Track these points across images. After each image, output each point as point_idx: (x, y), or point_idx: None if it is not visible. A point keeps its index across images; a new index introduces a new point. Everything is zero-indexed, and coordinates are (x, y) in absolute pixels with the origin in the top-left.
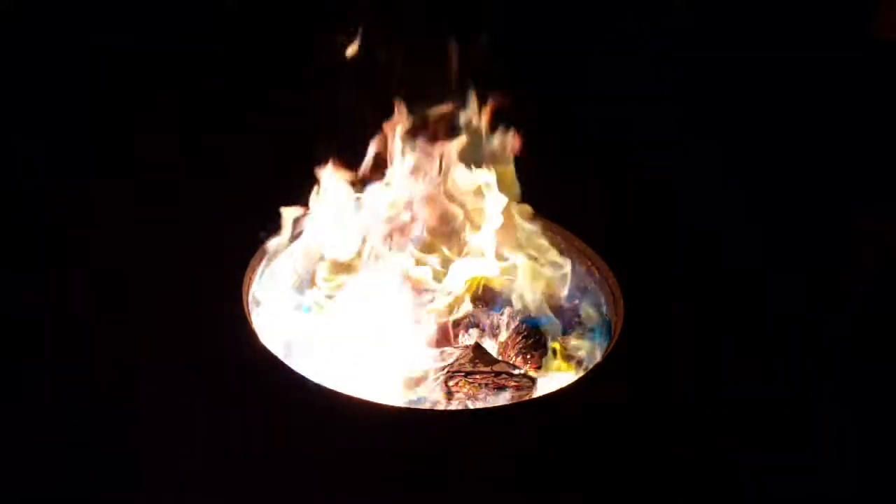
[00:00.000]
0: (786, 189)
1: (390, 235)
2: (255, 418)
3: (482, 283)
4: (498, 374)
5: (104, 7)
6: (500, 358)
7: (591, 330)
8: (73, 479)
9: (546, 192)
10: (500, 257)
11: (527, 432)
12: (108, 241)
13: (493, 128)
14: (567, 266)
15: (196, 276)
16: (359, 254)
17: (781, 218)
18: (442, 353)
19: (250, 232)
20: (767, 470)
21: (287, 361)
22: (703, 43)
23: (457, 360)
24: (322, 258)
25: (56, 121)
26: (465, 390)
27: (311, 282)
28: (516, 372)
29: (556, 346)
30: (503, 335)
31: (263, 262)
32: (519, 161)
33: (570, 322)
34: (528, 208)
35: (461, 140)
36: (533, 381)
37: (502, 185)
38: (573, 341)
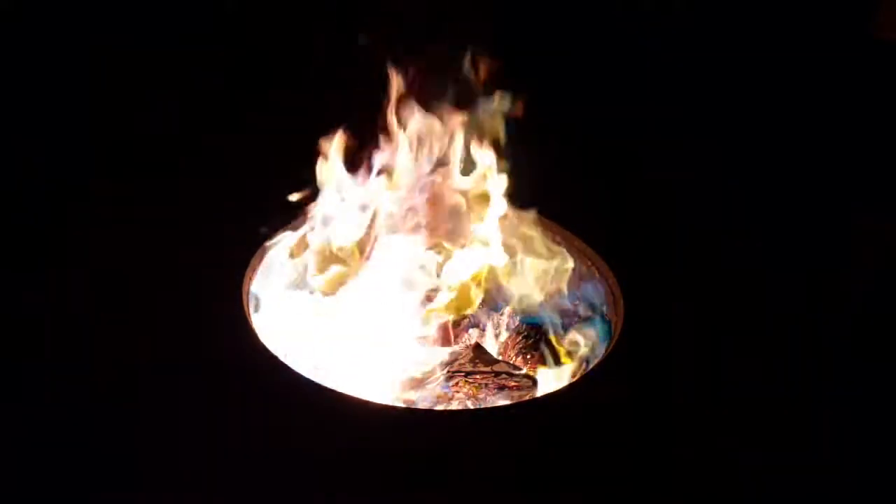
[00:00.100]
0: (786, 189)
1: (394, 230)
2: (255, 418)
3: (484, 281)
4: (498, 374)
5: (104, 7)
6: (500, 358)
7: (591, 330)
8: (73, 479)
9: (546, 192)
10: (499, 256)
11: (527, 432)
12: (108, 241)
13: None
14: (567, 265)
15: (196, 276)
16: (361, 248)
17: (781, 218)
18: (442, 353)
19: (250, 232)
20: (767, 470)
21: (287, 361)
22: (703, 43)
23: (457, 360)
24: (324, 252)
25: (56, 121)
26: (465, 390)
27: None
28: (516, 372)
29: (557, 345)
30: (503, 335)
31: (264, 261)
32: (519, 160)
33: (570, 322)
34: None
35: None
36: (533, 381)
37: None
38: (573, 341)
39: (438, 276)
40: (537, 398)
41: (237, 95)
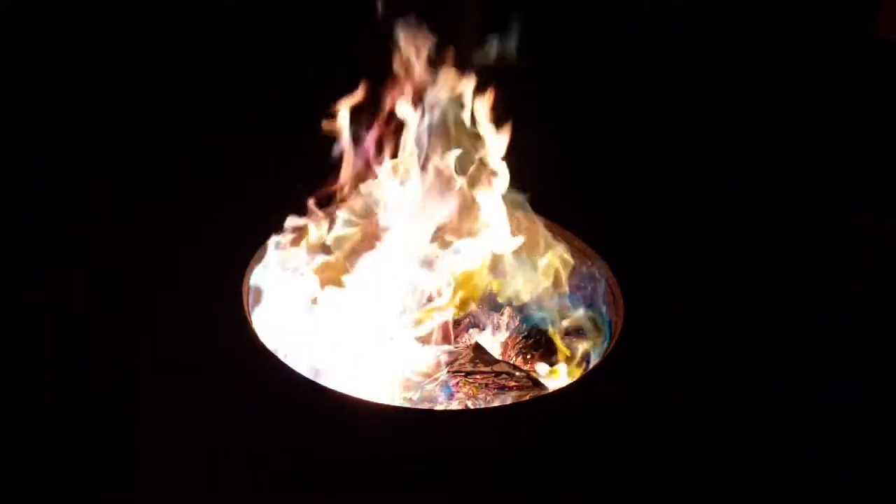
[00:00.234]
0: (786, 189)
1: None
2: (255, 418)
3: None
4: (498, 374)
5: (104, 7)
6: (500, 358)
7: (591, 330)
8: (73, 479)
9: (546, 192)
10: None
11: (527, 432)
12: (108, 241)
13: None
14: (567, 265)
15: (196, 276)
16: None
17: (781, 218)
18: (442, 353)
19: (250, 232)
20: (767, 470)
21: (287, 361)
22: (703, 43)
23: (457, 360)
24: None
25: (56, 121)
26: (465, 390)
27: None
28: (517, 372)
29: (557, 345)
30: (503, 335)
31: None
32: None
33: (570, 322)
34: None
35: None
36: (533, 381)
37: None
38: (573, 341)
39: (440, 272)
40: (537, 398)
41: (237, 95)
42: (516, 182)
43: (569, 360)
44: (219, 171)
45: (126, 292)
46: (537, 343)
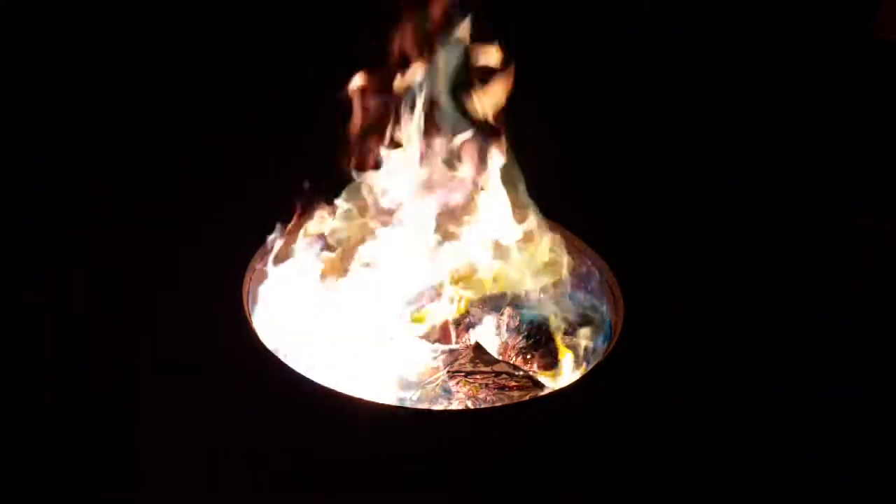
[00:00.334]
0: (786, 189)
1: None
2: (255, 418)
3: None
4: (498, 374)
5: (104, 7)
6: (500, 358)
7: (591, 330)
8: (73, 479)
9: (546, 191)
10: (500, 255)
11: (527, 432)
12: (108, 241)
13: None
14: (567, 265)
15: (196, 276)
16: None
17: (781, 218)
18: (442, 353)
19: (250, 232)
20: (767, 470)
21: (287, 361)
22: (703, 43)
23: (457, 360)
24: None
25: (56, 121)
26: (465, 390)
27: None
28: (517, 372)
29: (557, 345)
30: (503, 335)
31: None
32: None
33: (570, 322)
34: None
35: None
36: (534, 381)
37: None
38: (573, 341)
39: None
40: (537, 398)
41: (237, 95)
42: (521, 181)
43: (569, 360)
44: (219, 171)
45: (126, 292)
46: (537, 343)
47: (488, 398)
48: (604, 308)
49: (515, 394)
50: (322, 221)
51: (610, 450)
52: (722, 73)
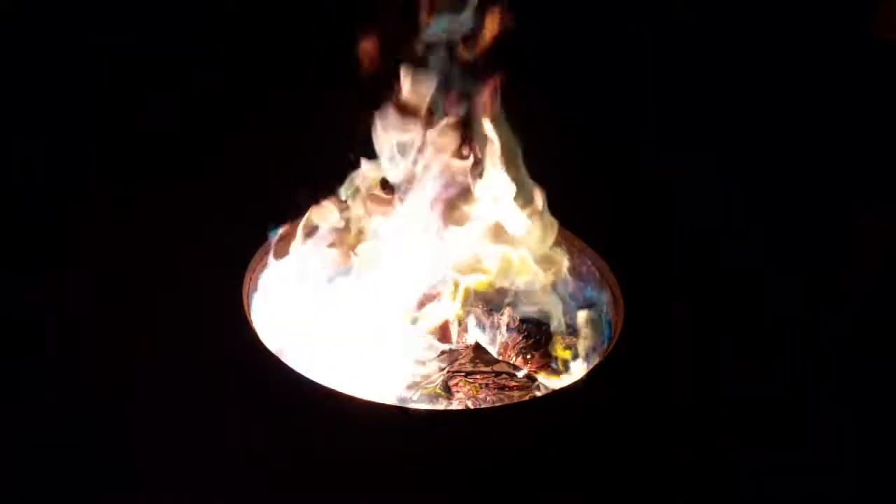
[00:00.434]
0: (786, 189)
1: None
2: (255, 418)
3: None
4: (498, 374)
5: (104, 7)
6: (500, 358)
7: (591, 330)
8: (73, 479)
9: (546, 191)
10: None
11: (527, 432)
12: (108, 241)
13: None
14: (567, 265)
15: (196, 276)
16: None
17: (781, 218)
18: (442, 352)
19: (250, 232)
20: (767, 470)
21: (287, 361)
22: (703, 42)
23: (457, 360)
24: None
25: (56, 121)
26: (465, 390)
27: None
28: (517, 372)
29: (557, 345)
30: (503, 335)
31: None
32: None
33: (570, 322)
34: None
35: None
36: (534, 381)
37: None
38: (573, 341)
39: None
40: (537, 398)
41: (237, 95)
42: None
43: (569, 360)
44: (219, 171)
45: (126, 292)
46: (537, 343)
47: (488, 398)
48: (604, 308)
49: (515, 394)
50: (323, 218)
51: (610, 450)
52: (722, 73)
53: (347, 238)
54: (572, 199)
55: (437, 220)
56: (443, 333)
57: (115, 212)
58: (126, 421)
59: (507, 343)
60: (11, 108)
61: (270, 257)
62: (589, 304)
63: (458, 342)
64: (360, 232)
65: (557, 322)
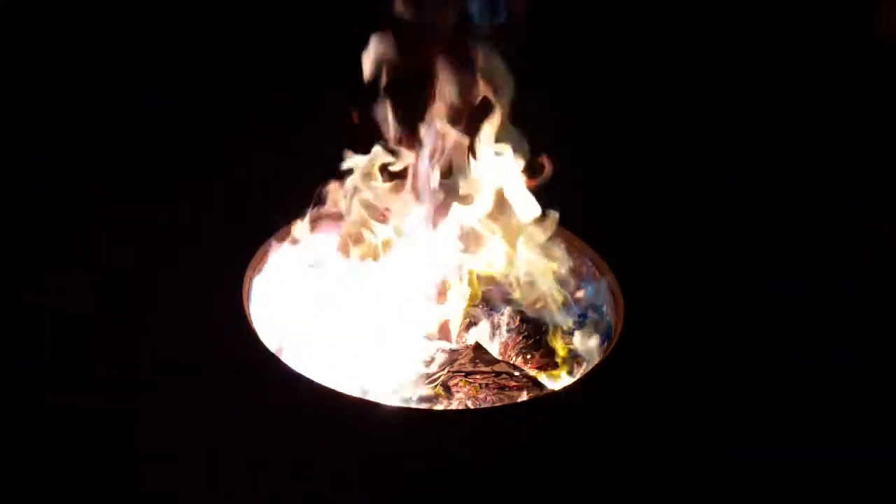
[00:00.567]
0: (786, 189)
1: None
2: (254, 418)
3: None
4: (498, 374)
5: (104, 7)
6: (500, 358)
7: (591, 330)
8: (73, 479)
9: (546, 192)
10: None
11: (527, 432)
12: (108, 241)
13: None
14: (568, 265)
15: (196, 276)
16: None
17: (781, 218)
18: (442, 353)
19: (250, 232)
20: (767, 470)
21: (287, 361)
22: (703, 43)
23: (457, 360)
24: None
25: (56, 121)
26: (465, 390)
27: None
28: (517, 372)
29: (557, 345)
30: (503, 335)
31: (265, 260)
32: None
33: (570, 322)
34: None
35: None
36: (533, 381)
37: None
38: (573, 341)
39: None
40: (537, 398)
41: (237, 95)
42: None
43: (569, 359)
44: (219, 171)
45: (126, 292)
46: (537, 343)
47: (488, 398)
48: (604, 308)
49: (515, 394)
50: (322, 218)
51: (610, 450)
52: (722, 73)
53: (348, 238)
54: (572, 199)
55: (435, 218)
56: (443, 333)
57: (115, 212)
58: (126, 421)
59: (507, 343)
60: (11, 108)
61: (270, 257)
62: (589, 305)
63: (458, 342)
64: (361, 231)
65: (557, 322)
